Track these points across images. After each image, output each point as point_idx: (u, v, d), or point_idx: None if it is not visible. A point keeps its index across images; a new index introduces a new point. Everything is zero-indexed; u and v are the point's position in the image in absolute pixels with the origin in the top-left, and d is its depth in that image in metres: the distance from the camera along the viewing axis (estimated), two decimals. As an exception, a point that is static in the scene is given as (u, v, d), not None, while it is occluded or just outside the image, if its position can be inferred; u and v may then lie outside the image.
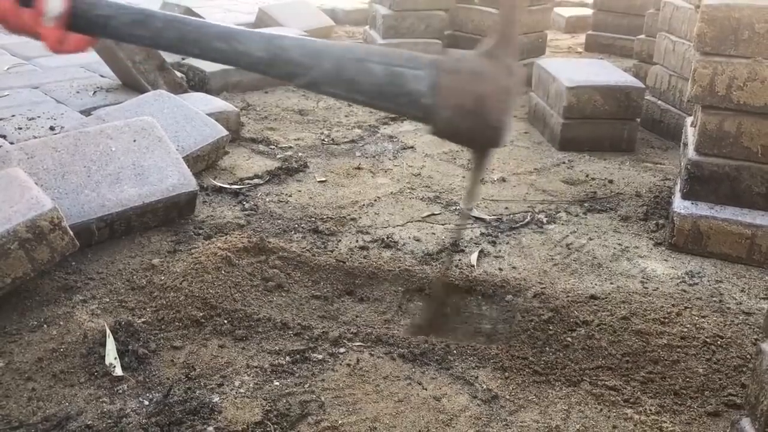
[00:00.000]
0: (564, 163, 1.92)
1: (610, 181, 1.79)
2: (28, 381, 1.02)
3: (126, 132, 1.49)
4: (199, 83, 2.44)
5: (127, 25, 1.02)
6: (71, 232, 1.17)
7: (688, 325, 1.17)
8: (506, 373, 1.06)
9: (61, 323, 1.14)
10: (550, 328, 1.15)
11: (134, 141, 1.48)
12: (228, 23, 3.22)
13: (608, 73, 2.03)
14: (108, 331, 1.10)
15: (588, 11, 3.85)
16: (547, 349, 1.11)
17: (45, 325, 1.13)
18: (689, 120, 1.61)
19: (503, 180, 1.79)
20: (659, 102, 2.14)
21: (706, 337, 1.14)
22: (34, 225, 1.12)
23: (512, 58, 0.97)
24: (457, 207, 1.63)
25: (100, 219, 1.35)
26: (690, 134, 1.51)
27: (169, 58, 2.48)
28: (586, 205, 1.66)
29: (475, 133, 0.98)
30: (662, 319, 1.18)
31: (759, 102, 1.32)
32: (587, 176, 1.83)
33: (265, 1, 4.11)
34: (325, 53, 1.00)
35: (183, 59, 2.55)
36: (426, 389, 1.02)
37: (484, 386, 1.03)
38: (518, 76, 0.95)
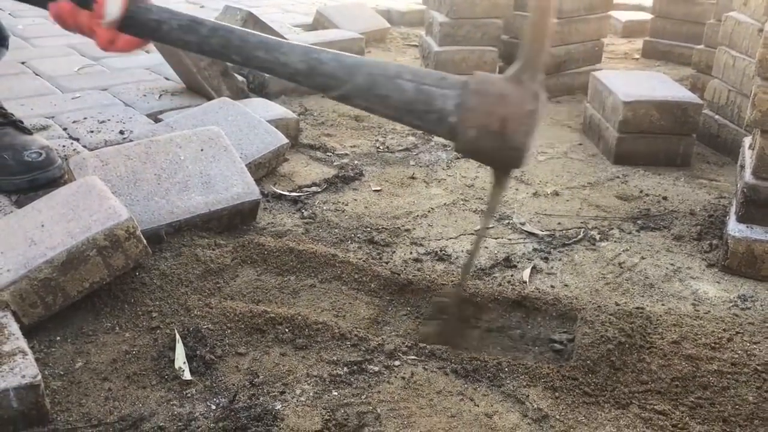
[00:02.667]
0: (618, 177, 1.92)
1: (665, 198, 1.80)
2: (104, 381, 1.09)
3: (194, 141, 1.56)
4: (258, 86, 2.50)
5: (177, 30, 1.09)
6: (144, 241, 1.24)
7: (740, 351, 1.18)
8: (557, 393, 1.09)
9: (133, 326, 1.21)
10: (603, 348, 1.17)
11: (201, 150, 1.54)
12: (286, 24, 3.29)
13: (665, 87, 2.03)
14: (177, 336, 1.16)
15: (646, 15, 3.81)
16: (597, 370, 1.13)
17: (118, 327, 1.21)
18: (747, 141, 1.60)
19: (556, 194, 1.81)
20: (717, 117, 2.13)
21: (757, 365, 1.15)
22: (111, 234, 1.19)
23: (538, 83, 1.00)
24: (510, 221, 1.66)
25: (169, 225, 1.42)
26: (748, 157, 1.51)
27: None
28: (639, 222, 1.67)
29: (497, 153, 1.03)
30: (713, 344, 1.20)
31: (820, 129, 1.32)
32: (641, 192, 1.83)
33: (323, 2, 4.18)
34: (360, 69, 1.06)
35: (243, 62, 2.63)
36: (478, 405, 1.06)
37: (535, 405, 1.06)
38: (543, 101, 0.99)
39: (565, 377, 1.13)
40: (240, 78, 2.39)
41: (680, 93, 1.98)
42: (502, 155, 1.02)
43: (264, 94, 2.48)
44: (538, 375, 1.13)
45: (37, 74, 2.44)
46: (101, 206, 1.23)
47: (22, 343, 1.03)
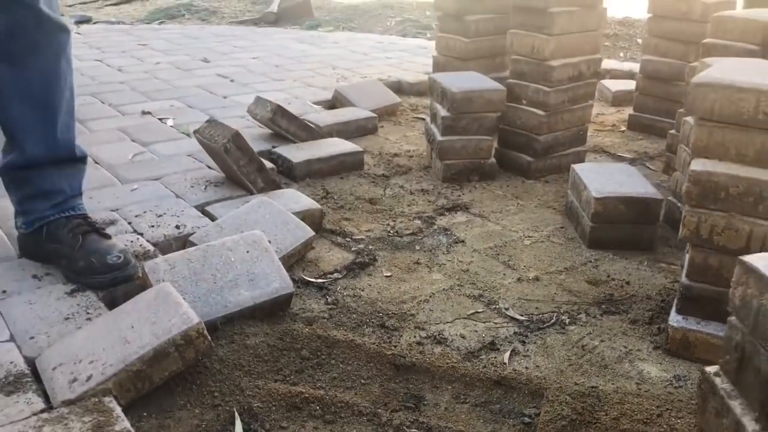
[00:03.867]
0: (591, 261, 2.29)
1: (627, 283, 2.16)
2: (183, 450, 1.46)
3: (241, 245, 1.94)
4: (286, 170, 2.90)
5: None
6: (209, 337, 1.62)
7: (665, 426, 1.53)
8: (521, 460, 1.45)
9: (200, 403, 1.58)
10: (558, 424, 1.53)
11: (247, 252, 1.93)
12: (307, 101, 3.72)
13: (632, 182, 2.39)
14: (236, 413, 1.54)
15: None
16: (553, 442, 1.49)
17: (189, 405, 1.58)
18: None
19: (537, 279, 2.18)
20: (679, 204, 2.49)
21: (677, 437, 1.50)
22: (186, 335, 1.57)
23: None
24: (497, 306, 2.03)
25: (223, 317, 1.80)
26: (686, 260, 1.87)
27: (259, 147, 2.96)
28: (603, 306, 2.03)
29: None
30: (645, 420, 1.55)
31: (734, 246, 1.68)
32: (608, 276, 2.19)
33: (339, 73, 4.59)
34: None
35: (273, 147, 3.03)
36: (462, 470, 1.42)
37: (504, 470, 1.43)
38: None
39: (529, 447, 1.49)
40: (270, 165, 2.78)
41: (644, 189, 2.35)
42: None
43: (292, 176, 2.87)
44: (509, 445, 1.50)
45: (97, 162, 2.84)
46: (177, 311, 1.61)
47: (126, 424, 1.40)
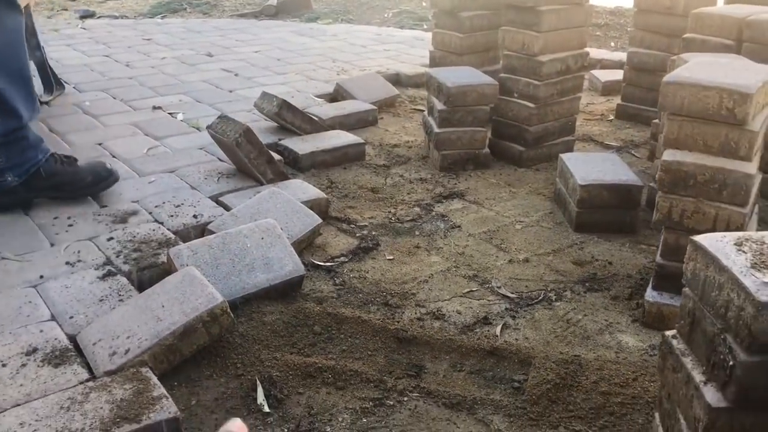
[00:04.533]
0: (576, 244, 2.48)
1: (610, 263, 2.35)
2: (212, 414, 1.65)
3: (256, 232, 2.13)
4: (292, 161, 3.08)
5: None
6: (232, 315, 1.81)
7: (639, 388, 1.73)
8: (511, 419, 1.65)
9: (225, 373, 1.77)
10: (544, 387, 1.72)
11: (262, 239, 2.12)
12: (310, 95, 3.89)
13: (615, 170, 2.58)
14: (258, 381, 1.73)
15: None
16: (539, 402, 1.68)
17: (215, 375, 1.77)
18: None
19: (527, 260, 2.37)
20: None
21: (649, 398, 1.69)
22: (212, 312, 1.76)
23: None
24: (490, 285, 2.22)
25: (242, 297, 1.99)
26: (661, 241, 2.06)
27: (266, 140, 3.14)
28: (587, 284, 2.22)
29: None
30: (622, 383, 1.74)
31: (702, 228, 1.87)
32: (592, 257, 2.38)
33: (340, 67, 4.76)
34: None
35: (280, 140, 3.21)
36: (459, 427, 1.62)
37: (497, 427, 1.62)
38: None
39: (518, 407, 1.68)
40: (277, 156, 2.96)
41: (626, 176, 2.54)
42: None
43: (298, 167, 3.05)
44: (500, 406, 1.69)
45: (114, 156, 3.01)
46: (202, 292, 1.80)
47: (163, 390, 1.59)
